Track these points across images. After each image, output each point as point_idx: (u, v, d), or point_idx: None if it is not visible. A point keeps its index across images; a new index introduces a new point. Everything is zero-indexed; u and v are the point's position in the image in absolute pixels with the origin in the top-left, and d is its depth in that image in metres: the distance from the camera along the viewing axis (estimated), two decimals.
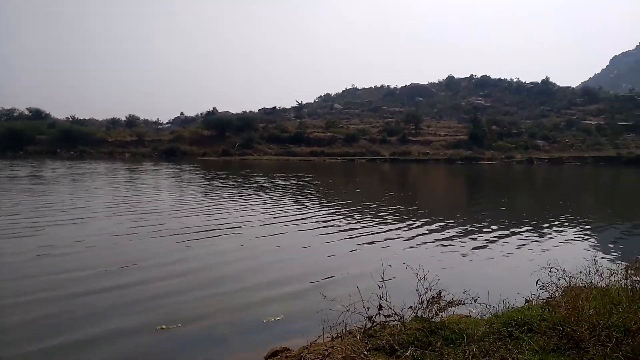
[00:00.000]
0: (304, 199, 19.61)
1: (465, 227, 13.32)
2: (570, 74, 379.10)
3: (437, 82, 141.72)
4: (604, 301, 4.14)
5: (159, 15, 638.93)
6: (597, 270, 5.12)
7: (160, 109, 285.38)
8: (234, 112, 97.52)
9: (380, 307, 5.05)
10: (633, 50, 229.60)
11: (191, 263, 8.76)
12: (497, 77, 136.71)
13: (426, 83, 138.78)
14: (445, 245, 10.82)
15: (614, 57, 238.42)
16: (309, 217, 14.54)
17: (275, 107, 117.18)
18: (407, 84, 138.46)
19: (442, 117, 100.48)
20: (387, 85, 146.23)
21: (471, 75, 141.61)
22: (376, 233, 12.21)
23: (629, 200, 25.27)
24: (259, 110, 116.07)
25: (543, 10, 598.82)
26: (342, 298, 5.47)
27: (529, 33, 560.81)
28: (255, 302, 6.66)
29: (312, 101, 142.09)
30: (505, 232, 12.77)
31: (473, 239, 11.72)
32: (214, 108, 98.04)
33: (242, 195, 20.16)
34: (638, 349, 3.34)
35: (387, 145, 74.20)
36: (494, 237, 12.01)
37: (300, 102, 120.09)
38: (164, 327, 5.62)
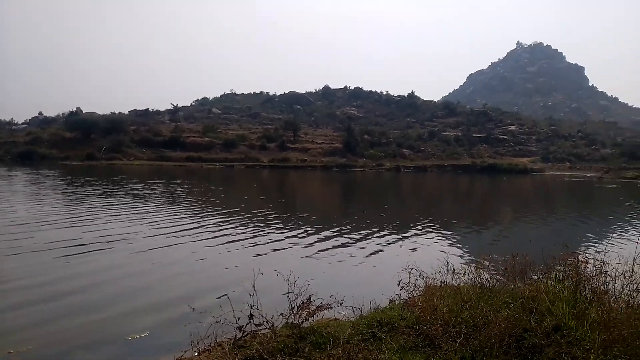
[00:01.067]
0: (187, 207, 18.74)
1: (339, 232, 13.73)
2: (433, 89, 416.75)
3: (314, 91, 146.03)
4: (456, 299, 4.47)
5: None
6: (453, 270, 5.53)
7: (15, 107, 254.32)
8: (101, 114, 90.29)
9: (251, 316, 4.94)
10: (487, 69, 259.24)
11: (73, 281, 7.81)
12: (369, 90, 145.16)
13: (304, 92, 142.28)
14: (322, 251, 11.02)
15: (470, 75, 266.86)
16: (195, 227, 13.87)
17: (148, 109, 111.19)
18: (286, 92, 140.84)
19: (319, 126, 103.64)
20: (267, 92, 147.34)
21: (345, 86, 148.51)
22: (246, 239, 12.03)
23: (483, 204, 28.24)
24: (129, 111, 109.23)
25: (411, 28, 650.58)
26: (213, 309, 5.26)
27: (397, 48, 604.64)
28: (117, 317, 6.12)
29: (189, 104, 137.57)
30: (375, 235, 13.40)
31: (346, 243, 12.11)
32: (77, 108, 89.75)
33: (119, 204, 18.57)
34: (484, 342, 3.64)
35: (266, 152, 74.38)
36: (365, 240, 12.54)
37: (175, 104, 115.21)
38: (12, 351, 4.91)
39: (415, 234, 13.93)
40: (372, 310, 5.31)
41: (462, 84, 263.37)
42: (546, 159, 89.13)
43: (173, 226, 13.75)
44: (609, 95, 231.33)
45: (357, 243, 12.18)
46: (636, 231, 15.62)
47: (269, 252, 10.61)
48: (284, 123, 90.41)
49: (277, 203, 22.94)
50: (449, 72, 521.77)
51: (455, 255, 10.76)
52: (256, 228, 13.95)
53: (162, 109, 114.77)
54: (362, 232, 13.92)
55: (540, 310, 3.97)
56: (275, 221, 15.62)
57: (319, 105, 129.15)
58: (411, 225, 15.78)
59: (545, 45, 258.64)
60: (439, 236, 13.89)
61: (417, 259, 8.40)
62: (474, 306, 4.13)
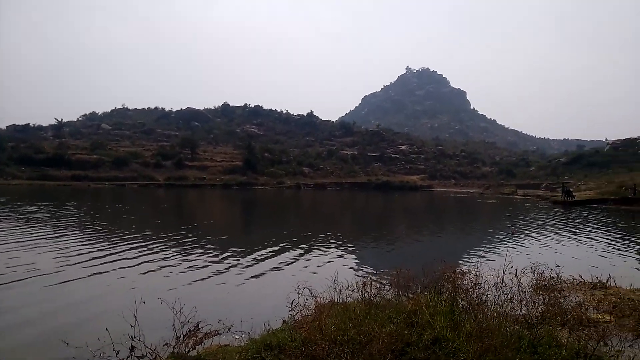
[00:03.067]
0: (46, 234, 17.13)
1: (236, 253, 13.39)
2: (330, 109, 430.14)
3: (213, 108, 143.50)
4: (344, 317, 4.52)
5: None
6: (347, 286, 5.60)
7: None
8: None
9: (132, 348, 4.61)
10: (380, 92, 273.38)
11: None
12: (269, 108, 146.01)
13: (202, 108, 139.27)
14: (216, 273, 10.61)
15: (364, 97, 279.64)
16: (72, 253, 12.68)
17: (28, 124, 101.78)
18: (183, 108, 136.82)
19: (219, 143, 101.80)
20: (162, 108, 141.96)
21: (245, 104, 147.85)
22: (130, 264, 11.26)
23: (378, 220, 29.38)
24: (7, 127, 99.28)
25: (307, 48, 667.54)
26: (91, 343, 4.83)
27: (297, 68, 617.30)
28: None
29: (75, 120, 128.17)
30: (272, 254, 13.26)
31: (241, 264, 11.79)
32: None
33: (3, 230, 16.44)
34: (368, 359, 3.70)
35: (162, 170, 71.30)
36: (262, 260, 12.33)
37: (60, 119, 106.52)
38: None
39: (313, 251, 14.03)
40: (264, 332, 5.20)
41: (357, 105, 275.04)
42: (434, 176, 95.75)
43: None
44: (488, 117, 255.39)
45: (254, 263, 11.95)
46: (509, 243, 17.19)
47: (158, 275, 10.02)
48: (181, 140, 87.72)
49: (172, 223, 21.93)
50: (345, 93, 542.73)
51: (351, 271, 10.95)
52: (144, 250, 13.16)
53: (44, 124, 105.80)
54: (259, 251, 13.70)
55: (421, 323, 4.13)
56: (168, 242, 14.88)
57: (218, 123, 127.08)
58: (310, 242, 15.89)
59: (431, 70, 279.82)
60: (336, 253, 14.10)
61: (312, 277, 8.45)
62: (360, 323, 4.21)
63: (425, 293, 4.86)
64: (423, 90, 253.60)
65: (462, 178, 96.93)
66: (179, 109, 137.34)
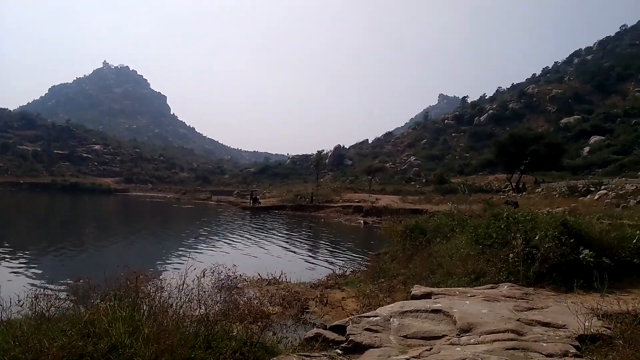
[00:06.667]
0: None
1: None
2: (9, 96, 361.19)
3: None
4: (7, 336, 3.96)
5: None
6: (17, 302, 4.86)
7: None
8: None
9: None
10: (72, 83, 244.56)
11: None
12: None
13: None
14: None
15: (53, 87, 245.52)
16: None
17: None
18: None
19: None
20: None
21: None
22: None
23: (65, 225, 26.27)
24: None
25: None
26: None
27: None
28: None
29: None
30: None
31: None
32: None
33: None
34: None
35: None
36: None
37: None
38: None
39: None
40: None
41: (43, 95, 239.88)
42: (130, 179, 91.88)
43: None
44: (188, 124, 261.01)
45: None
46: (196, 247, 18.07)
47: None
48: None
49: None
50: (28, 81, 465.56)
51: (23, 285, 9.54)
52: None
53: None
54: None
55: (99, 332, 3.99)
56: None
57: None
58: None
59: (131, 69, 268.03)
60: (5, 265, 12.07)
61: None
62: (27, 340, 3.77)
63: (104, 302, 4.70)
64: (121, 89, 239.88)
65: (159, 182, 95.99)
66: None
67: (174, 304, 5.04)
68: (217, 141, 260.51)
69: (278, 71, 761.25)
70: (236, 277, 7.95)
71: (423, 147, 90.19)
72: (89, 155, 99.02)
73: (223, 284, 5.96)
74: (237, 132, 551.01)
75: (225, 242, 19.64)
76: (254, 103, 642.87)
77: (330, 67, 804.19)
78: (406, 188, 51.46)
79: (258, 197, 46.52)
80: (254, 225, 28.54)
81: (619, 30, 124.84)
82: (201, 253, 15.82)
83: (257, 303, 7.52)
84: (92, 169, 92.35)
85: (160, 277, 5.35)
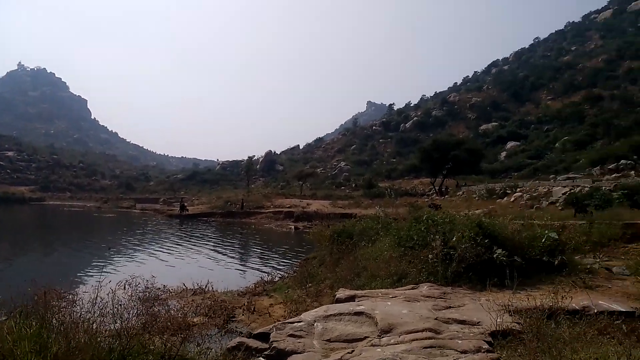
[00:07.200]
0: None
1: None
2: None
3: None
4: None
5: None
6: None
7: None
8: None
9: None
10: None
11: None
12: None
13: None
14: None
15: None
16: None
17: None
18: None
19: None
20: None
21: None
22: None
23: None
24: None
25: None
26: None
27: None
28: None
29: None
30: None
31: None
32: None
33: None
34: None
35: None
36: None
37: None
38: None
39: None
40: None
41: None
42: (46, 188, 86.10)
43: None
44: (110, 129, 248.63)
45: None
46: (113, 258, 17.21)
47: None
48: None
49: None
50: None
51: None
52: None
53: None
54: None
55: (2, 353, 3.64)
56: None
57: None
58: None
59: (49, 72, 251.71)
60: None
61: None
62: None
63: (9, 319, 4.31)
64: (38, 92, 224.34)
65: (79, 190, 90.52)
66: None
67: (86, 319, 4.72)
68: (142, 147, 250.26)
69: (207, 76, 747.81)
70: (159, 289, 7.62)
71: (352, 152, 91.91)
72: (2, 162, 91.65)
73: (142, 295, 5.70)
74: (163, 138, 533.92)
75: (148, 253, 18.87)
76: (181, 108, 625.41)
77: (261, 73, 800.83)
78: (336, 193, 52.03)
79: (186, 204, 45.20)
80: (181, 234, 27.66)
81: (532, 42, 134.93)
82: (122, 265, 15.11)
83: (180, 314, 7.24)
84: (4, 177, 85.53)
85: (74, 291, 4.98)
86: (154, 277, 5.87)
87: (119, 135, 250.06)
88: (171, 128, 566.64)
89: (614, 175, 28.64)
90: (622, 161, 31.96)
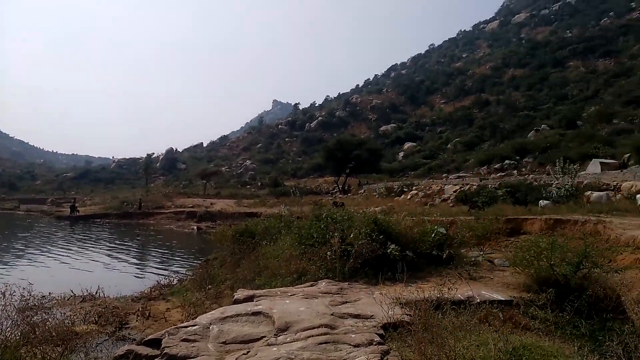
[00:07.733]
0: None
1: None
2: None
3: None
4: None
5: None
6: None
7: None
8: None
9: None
10: None
11: None
12: None
13: None
14: None
15: None
16: None
17: None
18: None
19: None
20: None
21: None
22: None
23: None
24: None
25: None
26: None
27: None
28: None
29: None
30: None
31: None
32: None
33: None
34: None
35: None
36: None
37: None
38: None
39: None
40: None
41: None
42: None
43: None
44: None
45: None
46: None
47: None
48: None
49: None
50: None
51: None
52: None
53: None
54: None
55: None
56: None
57: None
58: None
59: None
60: None
61: None
62: None
63: None
64: None
65: None
66: None
67: None
68: (28, 143, 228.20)
69: (101, 68, 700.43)
70: (44, 297, 6.99)
71: (258, 151, 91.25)
72: None
73: (20, 305, 5.26)
74: (51, 133, 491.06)
75: (32, 259, 17.26)
76: (71, 102, 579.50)
77: (162, 68, 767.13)
78: (242, 192, 51.40)
79: (77, 205, 41.96)
80: (71, 237, 25.64)
81: (428, 48, 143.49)
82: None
83: (65, 323, 6.76)
84: None
85: None
86: (32, 284, 5.39)
87: (1, 130, 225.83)
88: (61, 123, 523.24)
89: (499, 174, 31.39)
90: (506, 161, 35.11)
